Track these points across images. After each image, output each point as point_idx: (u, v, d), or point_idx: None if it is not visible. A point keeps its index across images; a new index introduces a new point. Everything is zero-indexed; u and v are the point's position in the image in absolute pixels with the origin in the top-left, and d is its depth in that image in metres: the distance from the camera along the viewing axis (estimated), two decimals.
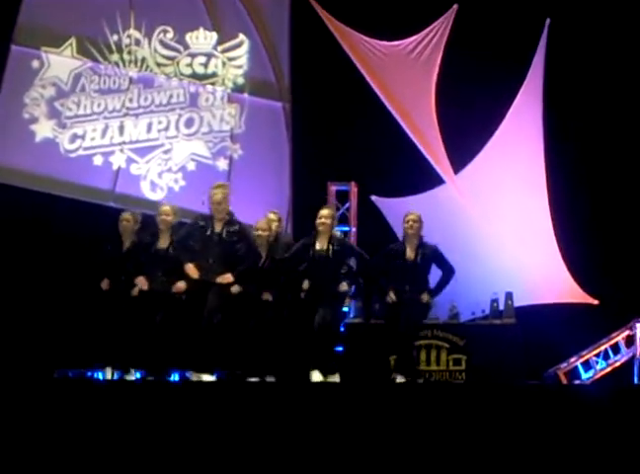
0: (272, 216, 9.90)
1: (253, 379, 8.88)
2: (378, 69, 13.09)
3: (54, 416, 7.32)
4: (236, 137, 13.40)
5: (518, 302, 11.10)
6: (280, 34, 13.57)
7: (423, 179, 12.73)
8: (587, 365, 11.41)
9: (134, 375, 9.16)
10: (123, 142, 13.23)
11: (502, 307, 11.01)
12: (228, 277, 8.80)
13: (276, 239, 9.80)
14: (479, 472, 6.88)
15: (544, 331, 11.17)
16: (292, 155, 13.23)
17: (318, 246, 9.18)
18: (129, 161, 13.20)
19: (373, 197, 12.95)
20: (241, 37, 13.59)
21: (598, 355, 11.42)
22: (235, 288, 8.97)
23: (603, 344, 11.43)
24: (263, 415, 7.20)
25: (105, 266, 9.54)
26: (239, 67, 13.56)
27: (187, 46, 13.52)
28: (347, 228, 12.62)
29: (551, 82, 12.76)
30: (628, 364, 11.30)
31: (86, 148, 13.17)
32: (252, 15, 13.58)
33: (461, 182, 12.77)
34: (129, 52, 13.47)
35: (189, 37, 13.52)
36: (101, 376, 9.52)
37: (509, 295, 11.01)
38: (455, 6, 13.03)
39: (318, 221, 9.22)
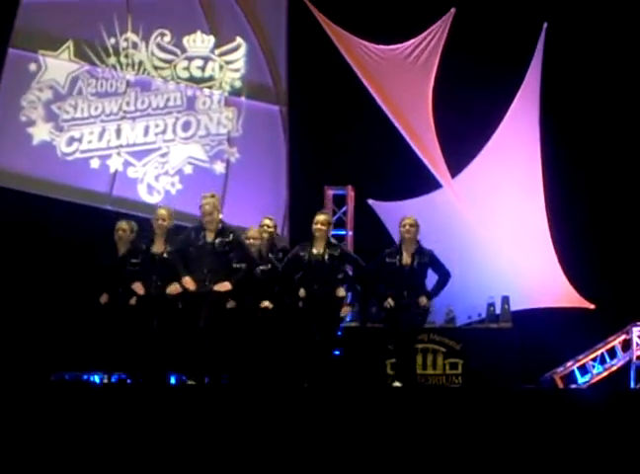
0: (267, 222, 9.87)
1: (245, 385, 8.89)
2: (375, 73, 13.09)
3: (51, 418, 7.31)
4: (233, 141, 13.40)
5: (514, 306, 11.10)
6: (278, 37, 13.57)
7: (420, 183, 12.72)
8: (583, 370, 11.41)
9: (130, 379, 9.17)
10: (120, 145, 13.23)
11: (498, 311, 11.02)
12: (226, 285, 8.80)
13: (271, 245, 9.79)
14: None
15: (541, 335, 11.17)
16: (289, 159, 13.23)
17: (314, 251, 9.17)
18: (126, 164, 13.20)
19: (370, 201, 12.94)
20: (238, 40, 13.59)
21: (594, 360, 11.43)
22: (231, 304, 9.00)
23: (600, 348, 11.43)
24: (259, 419, 7.20)
25: (102, 278, 9.53)
26: (236, 71, 13.57)
27: (184, 50, 13.53)
28: (343, 232, 12.61)
29: (548, 86, 12.76)
30: (625, 369, 11.31)
31: (83, 151, 13.18)
32: (249, 18, 13.59)
33: (458, 186, 12.76)
34: (127, 56, 13.48)
35: (186, 40, 13.52)
36: (97, 379, 9.52)
37: (505, 299, 11.02)
38: (453, 10, 13.03)
39: (314, 227, 9.20)
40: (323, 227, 9.19)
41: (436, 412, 7.21)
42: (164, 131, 13.33)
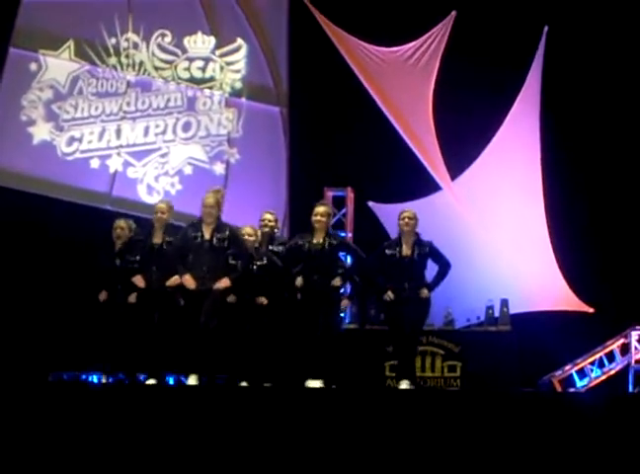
0: (268, 216, 9.87)
1: (245, 384, 8.88)
2: (376, 75, 13.09)
3: (49, 418, 7.31)
4: (233, 142, 13.41)
5: (513, 309, 11.08)
6: (279, 38, 13.59)
7: (419, 185, 12.71)
8: (581, 373, 11.40)
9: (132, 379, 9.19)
10: (120, 146, 13.24)
11: (497, 314, 11.00)
12: (225, 282, 8.80)
13: (272, 239, 9.79)
14: None
15: (539, 338, 11.17)
16: (289, 160, 13.25)
17: (314, 241, 9.17)
18: (126, 164, 13.21)
19: (370, 203, 12.95)
20: (239, 41, 13.61)
21: (592, 363, 11.42)
22: (231, 298, 8.99)
23: (598, 352, 11.42)
24: (258, 420, 7.20)
25: (100, 276, 9.54)
26: (237, 72, 13.58)
27: (185, 50, 13.54)
28: (343, 234, 12.58)
29: (549, 90, 12.77)
30: (623, 373, 11.29)
31: (83, 151, 13.19)
32: (250, 19, 13.60)
33: (458, 188, 12.77)
34: (127, 56, 13.49)
35: (187, 41, 13.53)
36: (95, 379, 9.52)
37: (504, 302, 11.01)
38: (454, 13, 13.04)
39: (314, 218, 9.19)
40: (323, 219, 9.19)
41: (434, 414, 7.20)
42: (164, 132, 13.34)
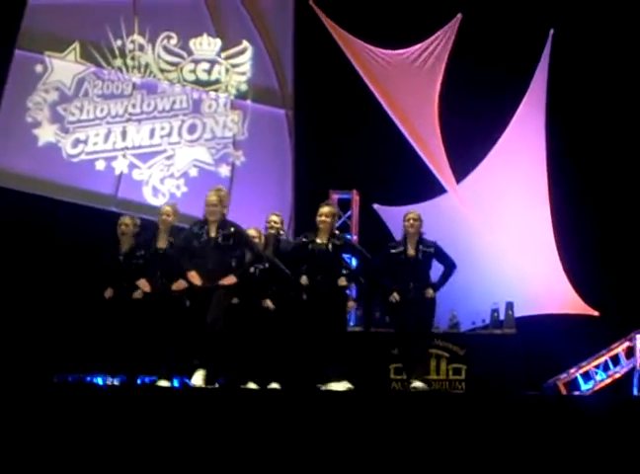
0: (274, 218, 9.87)
1: (254, 386, 8.87)
2: (381, 77, 13.10)
3: (54, 420, 7.31)
4: (239, 144, 13.41)
5: (518, 312, 11.08)
6: (284, 41, 13.59)
7: (425, 188, 12.72)
8: (586, 376, 11.39)
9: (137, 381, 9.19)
10: (126, 148, 13.25)
11: (502, 317, 11.00)
12: (231, 278, 8.78)
13: (278, 241, 9.78)
14: None
15: (544, 341, 11.16)
16: (295, 162, 13.24)
17: (318, 241, 9.17)
18: (132, 166, 13.22)
19: (375, 206, 12.96)
20: (245, 43, 13.61)
21: (597, 367, 11.40)
22: (236, 300, 8.99)
23: (603, 355, 11.41)
24: (265, 422, 7.19)
25: (106, 274, 9.55)
26: (242, 74, 13.58)
27: (190, 53, 13.55)
28: (348, 236, 12.59)
29: (554, 92, 12.77)
30: (628, 376, 11.27)
31: (88, 153, 13.19)
32: (256, 21, 13.61)
33: (463, 191, 12.77)
34: (133, 58, 13.50)
35: (192, 43, 13.54)
36: (100, 381, 9.52)
37: (509, 305, 11.00)
38: (459, 15, 13.05)
39: (318, 219, 9.20)
40: (327, 219, 9.19)
41: (439, 417, 7.20)
42: (170, 134, 13.34)
